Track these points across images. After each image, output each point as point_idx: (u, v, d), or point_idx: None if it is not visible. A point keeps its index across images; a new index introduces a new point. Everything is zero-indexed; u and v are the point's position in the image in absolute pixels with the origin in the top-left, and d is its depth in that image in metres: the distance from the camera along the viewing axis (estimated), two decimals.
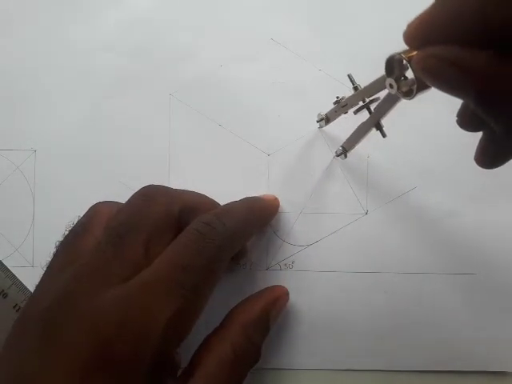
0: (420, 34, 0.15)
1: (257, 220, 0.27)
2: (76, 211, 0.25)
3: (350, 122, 0.29)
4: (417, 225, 0.29)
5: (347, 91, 0.29)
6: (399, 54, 0.17)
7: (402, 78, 0.18)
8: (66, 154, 0.30)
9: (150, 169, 0.30)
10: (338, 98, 0.26)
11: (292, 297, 0.28)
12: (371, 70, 0.31)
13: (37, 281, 0.22)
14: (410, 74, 0.17)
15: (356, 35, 0.30)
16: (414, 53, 0.16)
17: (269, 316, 0.25)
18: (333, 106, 0.26)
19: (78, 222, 0.24)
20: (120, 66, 0.30)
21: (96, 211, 0.24)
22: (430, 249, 0.29)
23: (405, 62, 0.17)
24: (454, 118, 0.20)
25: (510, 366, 0.29)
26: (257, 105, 0.30)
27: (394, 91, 0.19)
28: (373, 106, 0.24)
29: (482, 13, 0.13)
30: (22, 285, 0.29)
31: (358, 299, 0.29)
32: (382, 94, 0.22)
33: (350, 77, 0.25)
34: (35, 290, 0.22)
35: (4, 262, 0.30)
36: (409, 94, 0.18)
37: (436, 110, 0.29)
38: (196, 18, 0.30)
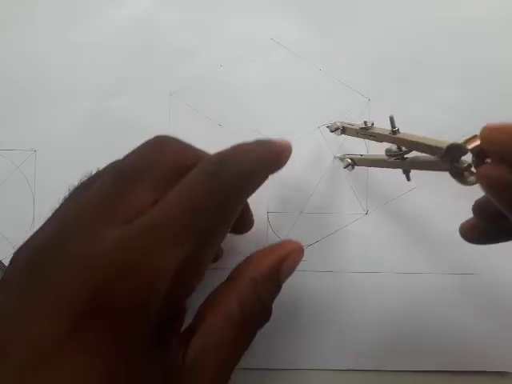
0: (495, 142, 0.16)
1: (270, 161, 0.23)
2: None
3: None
4: (417, 225, 0.29)
5: (348, 91, 0.30)
6: (464, 144, 0.18)
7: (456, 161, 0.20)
8: (66, 153, 0.30)
9: None
10: (366, 123, 0.25)
11: (292, 297, 0.28)
12: (371, 70, 0.31)
13: None
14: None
15: (356, 35, 0.30)
16: (477, 142, 0.17)
17: (279, 273, 0.22)
18: (351, 122, 0.27)
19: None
20: (120, 66, 0.30)
21: (109, 164, 0.22)
22: (430, 249, 0.29)
23: (471, 165, 0.19)
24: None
25: (510, 366, 0.29)
26: (257, 105, 0.30)
27: (454, 178, 0.20)
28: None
29: None
30: None
31: (358, 299, 0.29)
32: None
33: (391, 119, 0.24)
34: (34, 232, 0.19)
35: (4, 262, 0.29)
36: (465, 183, 0.20)
37: (437, 111, 0.29)
38: (196, 18, 0.30)
